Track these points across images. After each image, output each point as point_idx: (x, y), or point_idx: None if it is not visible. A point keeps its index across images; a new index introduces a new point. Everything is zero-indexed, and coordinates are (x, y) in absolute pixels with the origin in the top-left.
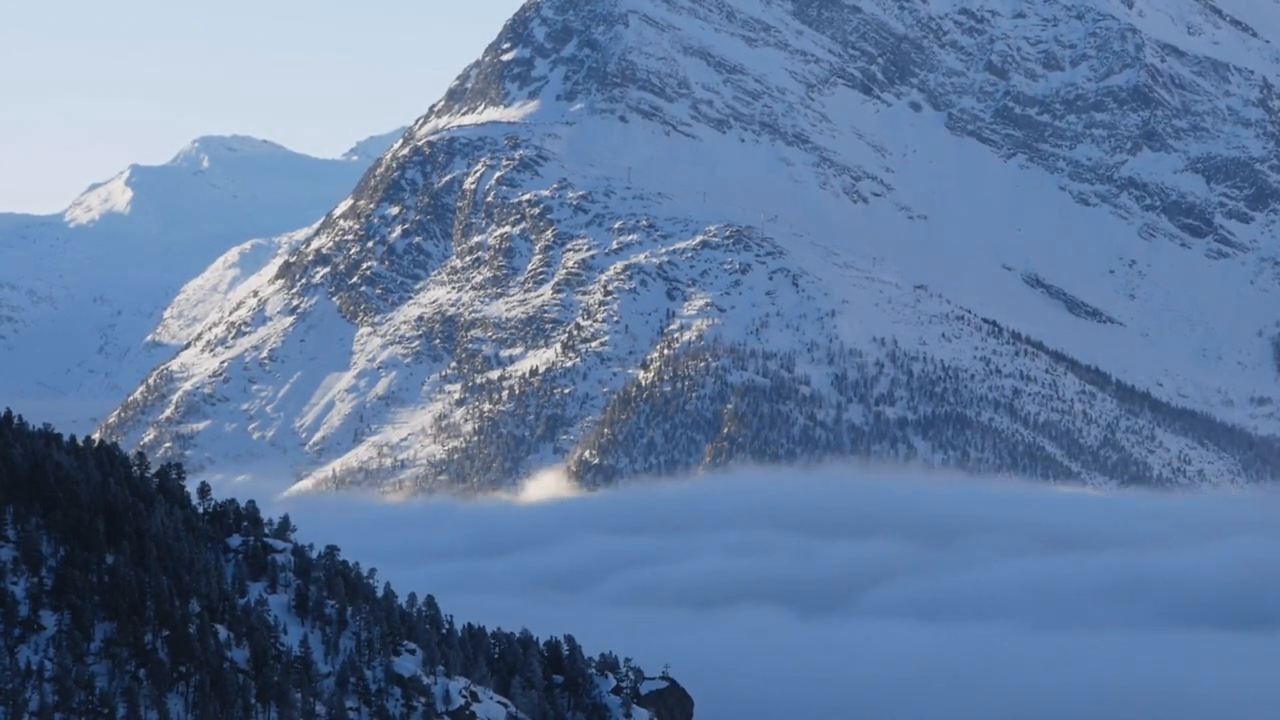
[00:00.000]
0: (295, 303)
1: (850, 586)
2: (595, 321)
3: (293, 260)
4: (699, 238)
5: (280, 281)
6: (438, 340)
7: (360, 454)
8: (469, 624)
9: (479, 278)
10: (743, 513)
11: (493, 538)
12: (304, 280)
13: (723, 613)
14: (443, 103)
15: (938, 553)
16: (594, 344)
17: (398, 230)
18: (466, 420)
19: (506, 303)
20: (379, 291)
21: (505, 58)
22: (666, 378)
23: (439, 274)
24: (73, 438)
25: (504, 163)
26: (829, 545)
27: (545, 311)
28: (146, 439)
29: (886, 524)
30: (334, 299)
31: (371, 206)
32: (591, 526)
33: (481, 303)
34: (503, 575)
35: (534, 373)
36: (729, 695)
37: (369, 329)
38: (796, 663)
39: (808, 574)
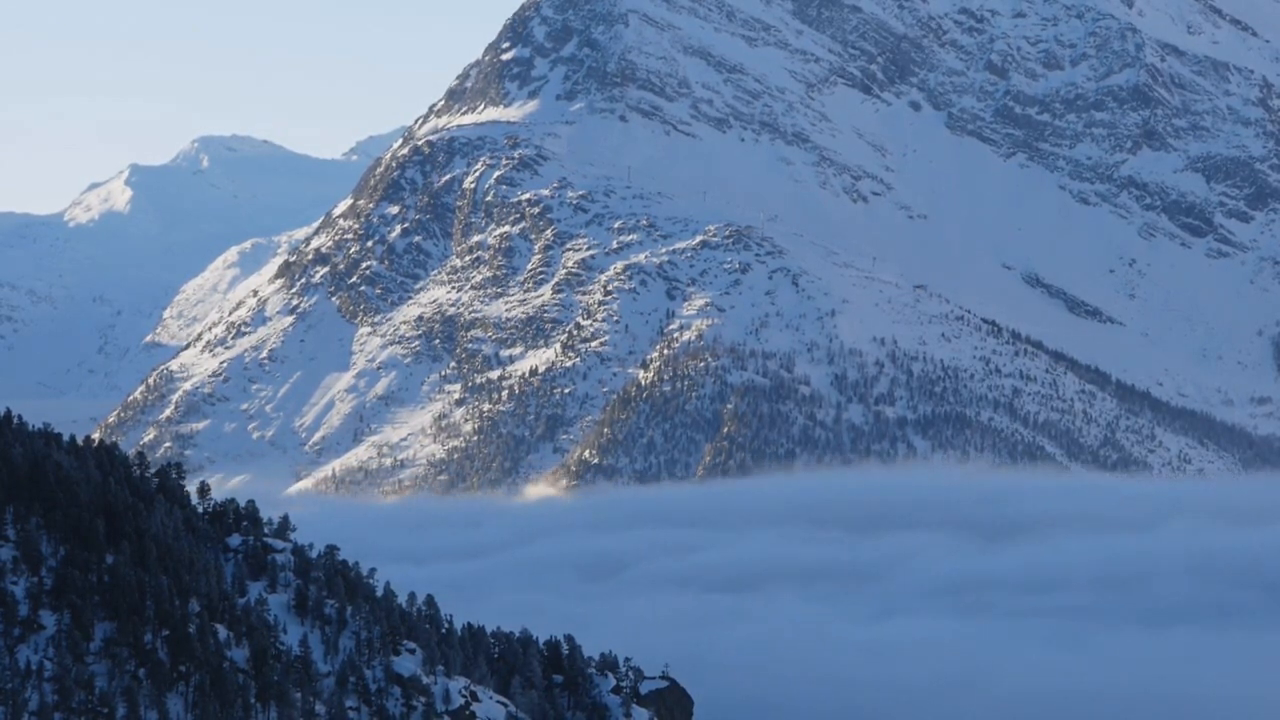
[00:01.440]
0: (295, 302)
1: (890, 577)
2: (595, 321)
3: (292, 260)
4: (699, 237)
5: (280, 281)
6: (437, 340)
7: (360, 454)
8: (468, 623)
9: (479, 277)
10: (791, 509)
11: (529, 533)
12: (304, 280)
13: (757, 600)
14: (443, 102)
15: (990, 543)
16: (594, 344)
17: (397, 230)
18: (466, 420)
19: (506, 302)
20: (379, 291)
21: (505, 57)
22: (666, 378)
23: (439, 274)
24: (73, 438)
25: (504, 162)
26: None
27: (545, 311)
28: (146, 439)
29: (939, 517)
30: (334, 299)
31: (371, 206)
32: (626, 522)
33: (481, 302)
34: (537, 568)
35: (534, 373)
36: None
37: (369, 329)
38: (834, 656)
39: (846, 566)
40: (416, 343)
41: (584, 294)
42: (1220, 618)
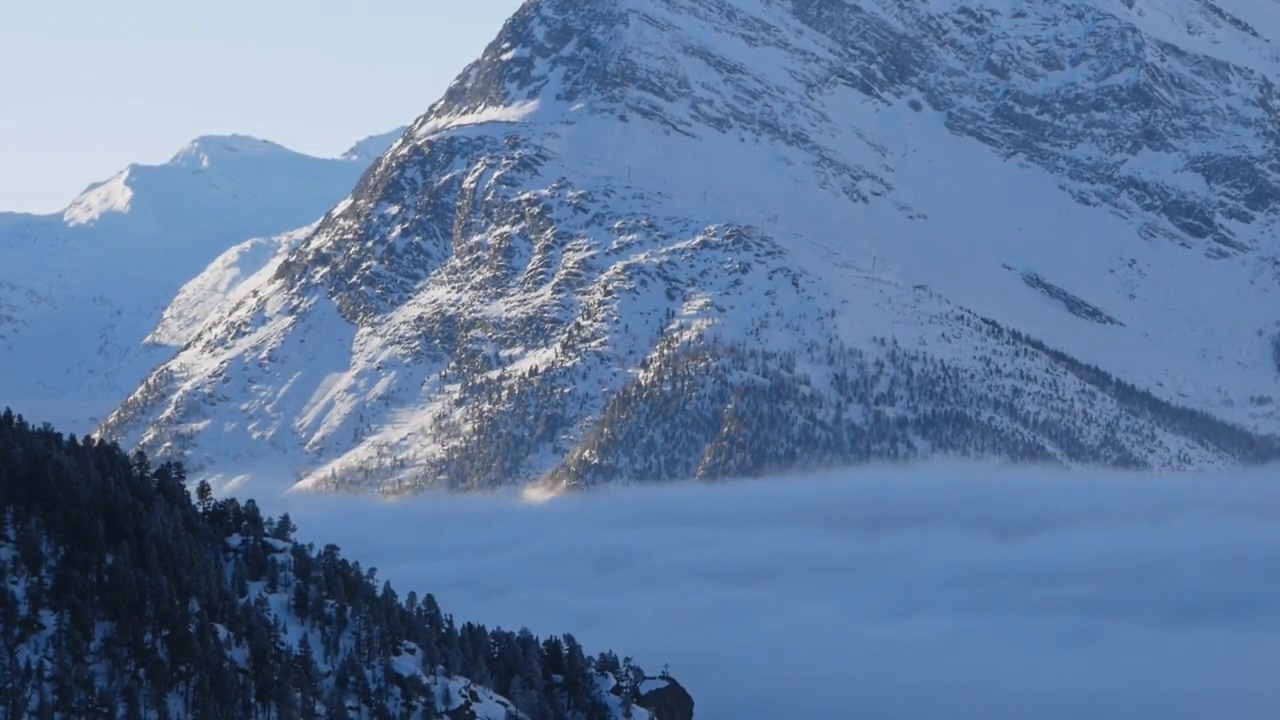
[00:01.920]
0: (295, 303)
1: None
2: (595, 321)
3: (292, 260)
4: (699, 237)
5: (280, 281)
6: (437, 340)
7: (360, 454)
8: (468, 623)
9: (479, 277)
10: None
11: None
12: (304, 280)
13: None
14: (443, 102)
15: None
16: (594, 344)
17: (397, 230)
18: (466, 420)
19: (506, 303)
20: (379, 291)
21: (505, 57)
22: (666, 377)
23: (439, 274)
24: (73, 438)
25: (504, 162)
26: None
27: (545, 311)
28: (146, 439)
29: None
30: (334, 299)
31: (371, 206)
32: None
33: (481, 303)
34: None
35: (534, 372)
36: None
37: (369, 329)
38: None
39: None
40: (416, 343)
41: (584, 294)
42: (1241, 613)
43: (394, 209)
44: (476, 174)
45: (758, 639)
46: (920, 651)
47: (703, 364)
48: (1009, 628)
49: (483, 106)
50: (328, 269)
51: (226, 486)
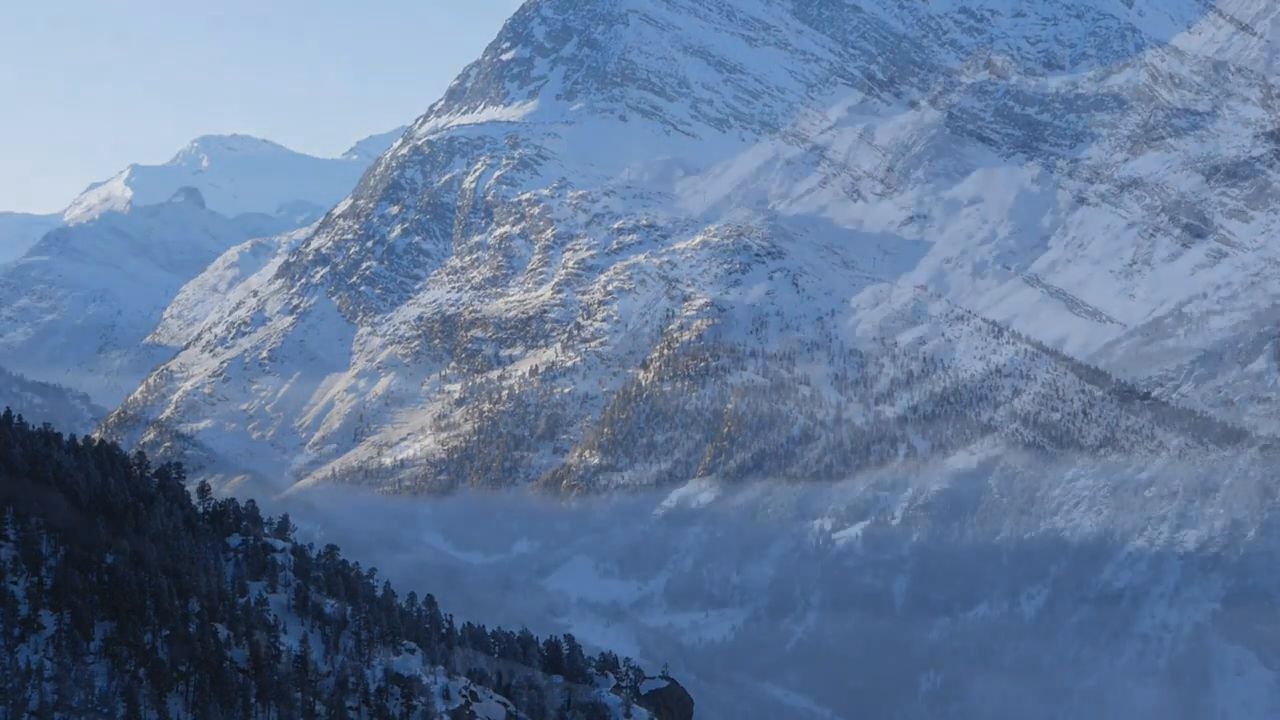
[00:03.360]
0: (295, 302)
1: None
2: (595, 321)
3: (292, 260)
4: (699, 237)
5: (280, 281)
6: (437, 340)
7: (360, 454)
8: (469, 623)
9: (479, 277)
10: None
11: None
12: (304, 280)
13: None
14: (443, 102)
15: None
16: (594, 344)
17: (397, 230)
18: (466, 420)
19: (506, 302)
20: (379, 291)
21: (505, 57)
22: (666, 377)
23: (439, 274)
24: (73, 437)
25: (504, 162)
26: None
27: (545, 311)
28: (146, 439)
29: None
30: (333, 299)
31: (371, 206)
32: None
33: (481, 303)
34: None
35: (534, 372)
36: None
37: (369, 329)
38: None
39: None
40: (416, 343)
41: (584, 294)
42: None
43: (394, 209)
44: (476, 174)
45: (786, 633)
46: (954, 645)
47: (703, 364)
48: (1050, 618)
49: (483, 106)
50: (328, 269)
51: (226, 486)
